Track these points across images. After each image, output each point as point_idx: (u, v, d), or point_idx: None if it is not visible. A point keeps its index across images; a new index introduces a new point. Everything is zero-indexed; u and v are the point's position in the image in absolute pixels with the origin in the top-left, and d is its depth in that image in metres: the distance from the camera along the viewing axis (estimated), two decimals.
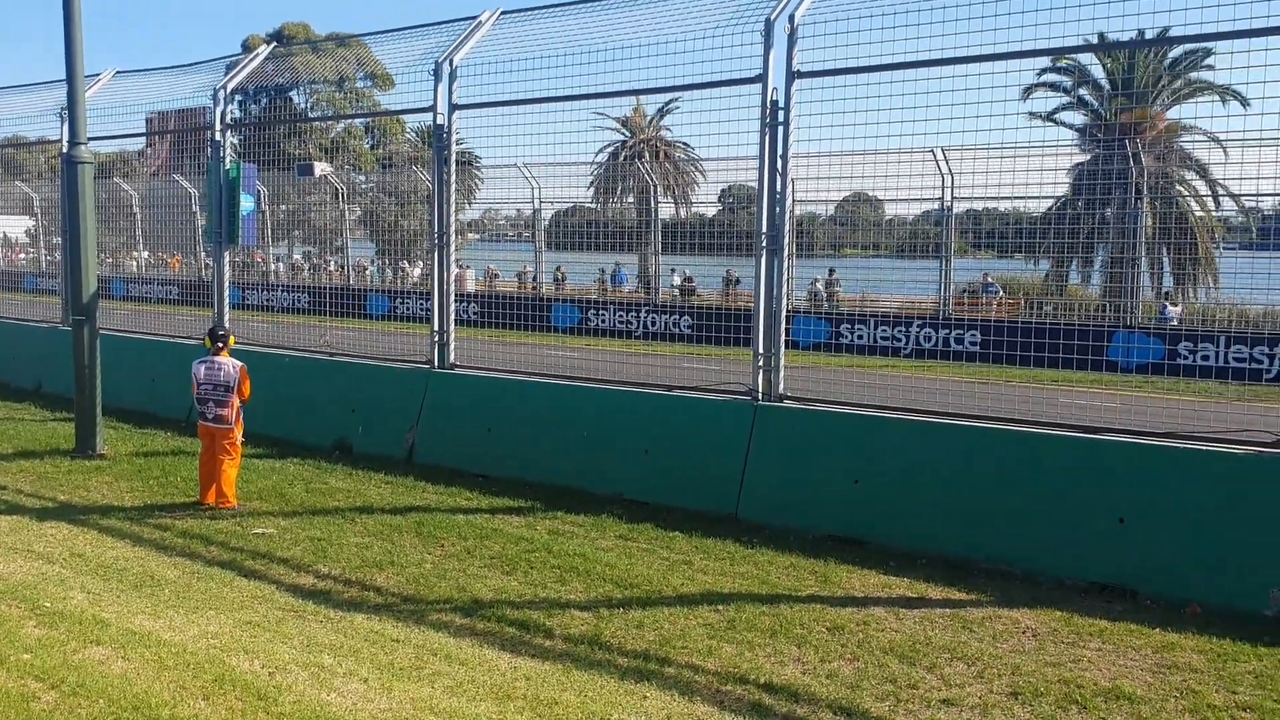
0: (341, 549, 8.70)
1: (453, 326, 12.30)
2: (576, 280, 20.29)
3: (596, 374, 11.54)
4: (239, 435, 10.20)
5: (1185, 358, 13.29)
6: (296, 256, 25.01)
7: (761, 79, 9.63)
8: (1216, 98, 27.35)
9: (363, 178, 25.33)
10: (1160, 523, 7.80)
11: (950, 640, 6.77)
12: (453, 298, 12.31)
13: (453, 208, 12.18)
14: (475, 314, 14.34)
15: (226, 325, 13.38)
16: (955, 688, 6.03)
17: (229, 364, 10.17)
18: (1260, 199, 12.28)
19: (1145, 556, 7.77)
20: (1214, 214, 22.53)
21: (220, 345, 10.30)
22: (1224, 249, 18.51)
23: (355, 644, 6.60)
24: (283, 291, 20.31)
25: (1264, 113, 7.79)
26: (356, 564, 8.32)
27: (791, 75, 9.49)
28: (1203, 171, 23.50)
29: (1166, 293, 16.44)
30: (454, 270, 12.54)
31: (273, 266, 23.50)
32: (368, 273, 24.71)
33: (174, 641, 6.50)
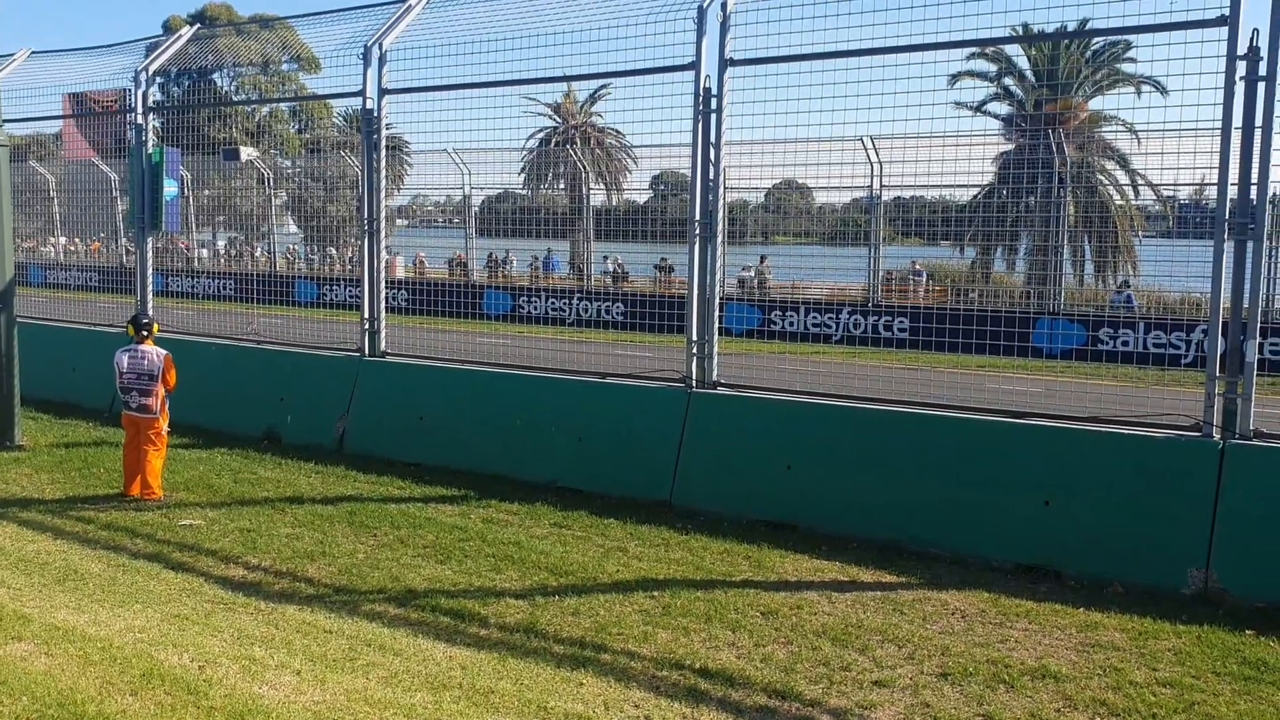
0: (272, 540, 8.57)
1: (383, 314, 12.17)
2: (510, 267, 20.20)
3: (529, 361, 11.51)
4: (164, 425, 9.99)
5: (1106, 343, 13.62)
6: (221, 243, 24.50)
7: (694, 66, 9.65)
8: (1134, 89, 28.01)
9: (289, 163, 24.89)
10: (1084, 505, 8.00)
11: (882, 622, 6.88)
12: (383, 285, 12.18)
13: (382, 193, 12.04)
14: (406, 301, 14.20)
15: (150, 313, 13.08)
16: (887, 669, 6.13)
17: (153, 352, 9.96)
18: (1178, 188, 12.60)
19: (1069, 538, 7.96)
20: (1133, 203, 23.08)
21: (144, 334, 10.08)
22: (1143, 237, 19.00)
23: (287, 636, 6.52)
24: (208, 278, 19.90)
25: (1182, 104, 8.01)
26: (287, 555, 8.21)
27: (724, 63, 9.53)
28: (1123, 161, 24.08)
29: (1125, 280, 16.79)
30: (384, 257, 12.41)
31: (198, 253, 23.00)
32: (295, 259, 24.31)
33: (99, 636, 6.35)
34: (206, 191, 20.15)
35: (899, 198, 17.69)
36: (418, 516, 9.29)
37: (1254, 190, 7.49)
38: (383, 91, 11.87)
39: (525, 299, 17.89)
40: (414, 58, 11.88)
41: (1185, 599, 7.37)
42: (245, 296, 16.44)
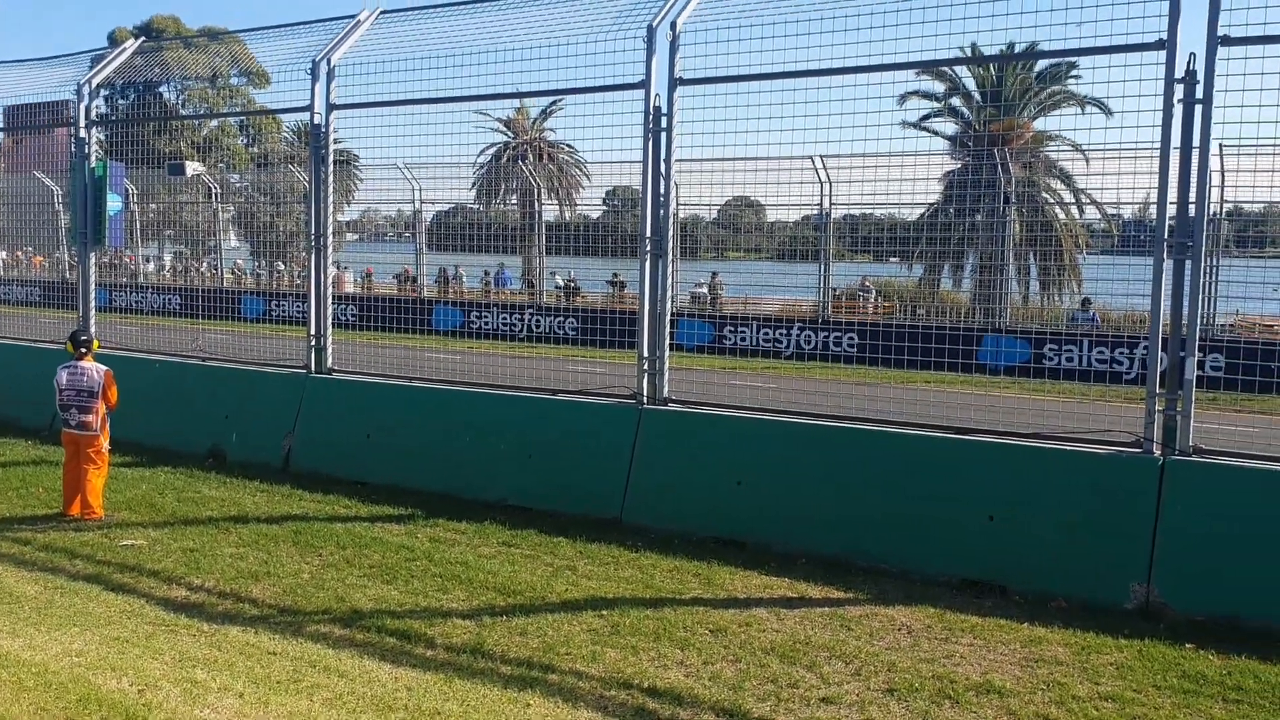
0: (215, 560, 8.43)
1: (330, 330, 12.05)
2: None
3: (479, 377, 11.44)
4: (105, 443, 9.81)
5: (1050, 360, 13.83)
6: (167, 257, 24.17)
7: (644, 85, 9.68)
8: (1079, 109, 28.56)
9: (237, 177, 24.61)
10: (1027, 520, 8.09)
11: (829, 639, 6.91)
12: (330, 300, 12.06)
13: (330, 208, 11.95)
14: (354, 316, 14.09)
15: (91, 329, 12.85)
16: (834, 686, 6.15)
17: (93, 369, 9.79)
18: (1121, 206, 12.82)
19: (1013, 553, 8.05)
20: (1078, 221, 23.47)
21: (83, 350, 9.90)
22: (1087, 255, 19.32)
23: (230, 658, 6.41)
24: (153, 293, 19.60)
25: (1122, 125, 8.17)
26: (231, 575, 8.08)
27: (674, 82, 9.57)
28: (1067, 180, 24.51)
29: (1086, 298, 17.03)
30: (332, 272, 12.30)
31: (143, 267, 22.66)
32: (242, 274, 24.05)
33: (34, 661, 6.21)
34: (152, 206, 19.88)
35: (848, 215, 17.86)
36: (364, 536, 9.20)
37: (1192, 209, 7.63)
38: (331, 106, 11.80)
39: (476, 314, 17.80)
40: (363, 73, 11.83)
41: (1127, 613, 7.47)
42: (191, 312, 16.22)
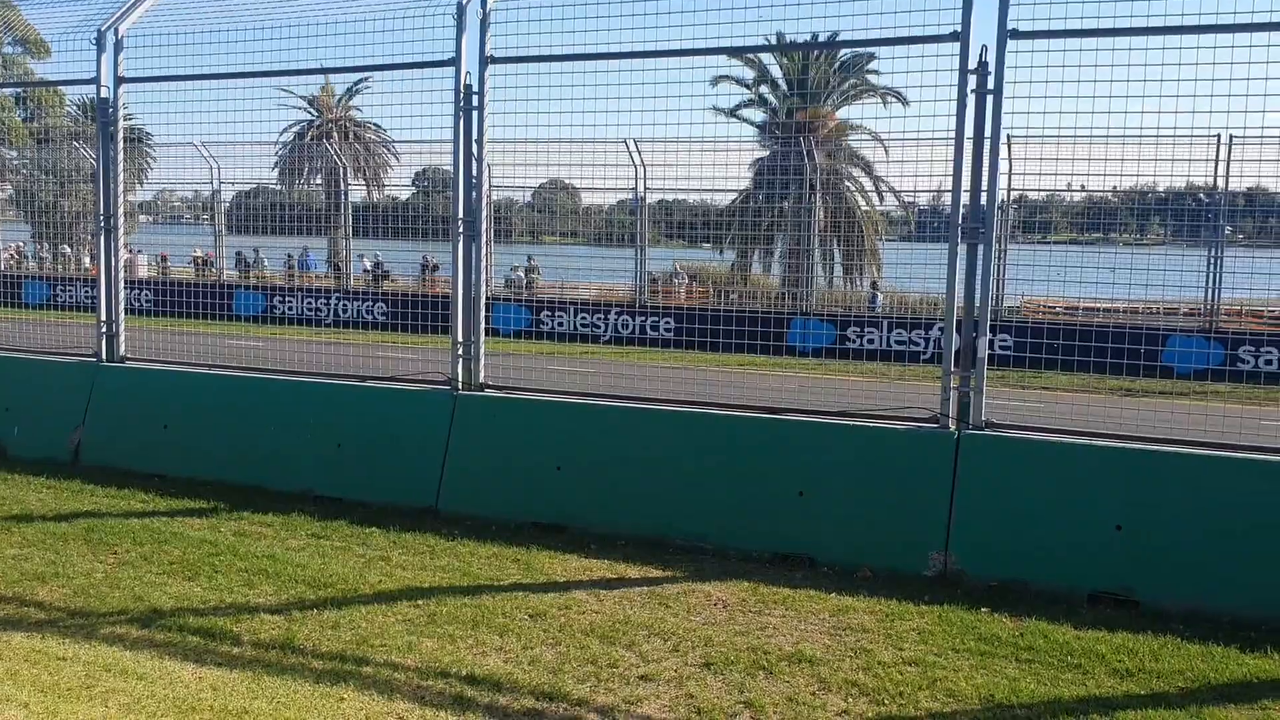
0: None
1: (122, 316, 11.35)
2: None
3: (285, 365, 11.00)
4: None
5: (854, 341, 14.38)
6: None
7: (455, 63, 9.48)
8: (879, 100, 29.81)
9: (14, 154, 22.87)
10: (834, 494, 8.38)
11: (648, 617, 6.96)
12: (122, 285, 11.36)
13: (121, 188, 11.24)
14: (149, 302, 13.33)
15: None
16: (653, 663, 6.21)
17: None
18: (917, 194, 13.42)
19: (822, 526, 8.31)
20: (878, 208, 24.50)
21: None
22: (886, 241, 20.19)
23: (14, 666, 5.94)
24: None
25: (920, 115, 8.53)
26: (15, 577, 7.50)
27: (485, 60, 9.42)
28: (868, 168, 25.55)
29: (874, 282, 17.67)
30: (124, 255, 11.60)
31: None
32: (23, 258, 22.43)
33: None
34: None
35: (663, 200, 18.08)
36: (163, 531, 8.71)
37: (984, 197, 8.03)
38: (119, 80, 11.08)
39: (280, 299, 17.12)
40: (157, 45, 11.13)
41: (928, 580, 7.83)
42: None
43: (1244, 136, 11.02)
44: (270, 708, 5.49)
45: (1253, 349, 15.77)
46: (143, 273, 17.40)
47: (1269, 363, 15.43)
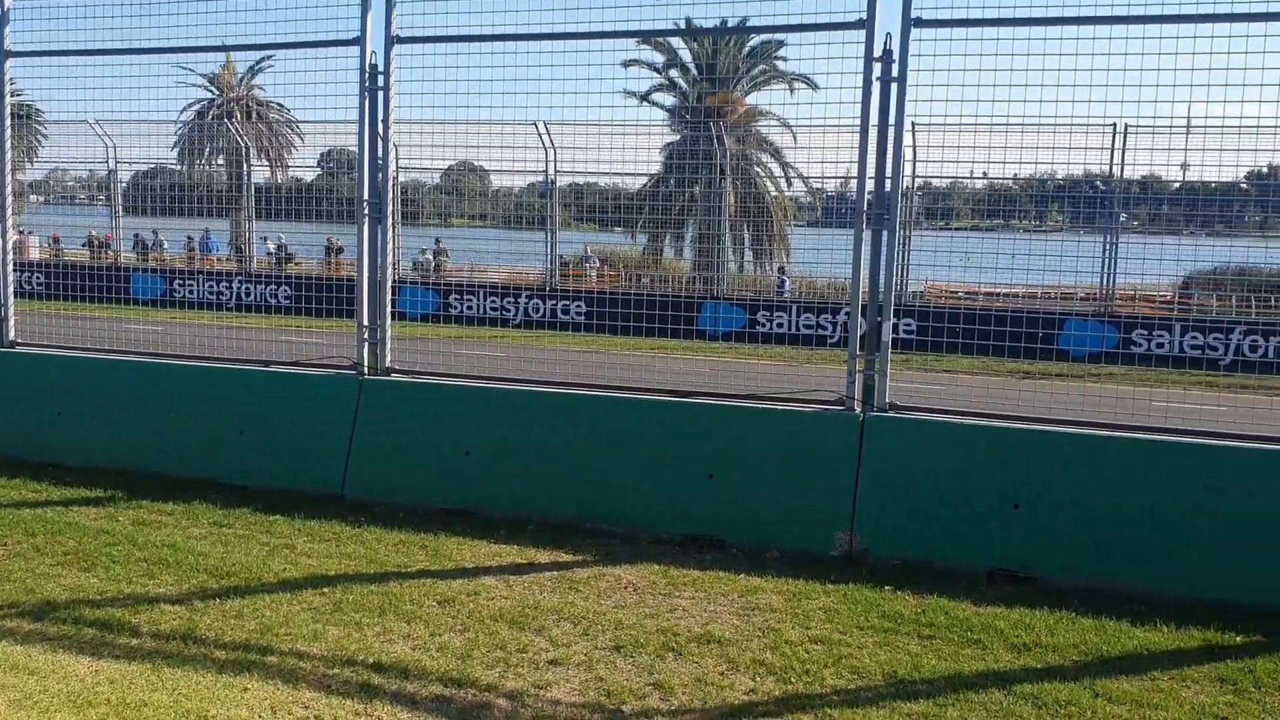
0: None
1: (11, 300, 10.92)
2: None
3: (185, 350, 10.72)
4: None
5: (763, 325, 14.55)
6: None
7: (360, 41, 9.30)
8: (788, 86, 30.09)
9: None
10: (743, 476, 8.45)
11: (558, 602, 6.96)
12: (11, 267, 10.94)
13: (8, 166, 10.81)
14: (41, 286, 12.86)
15: None
16: (562, 647, 6.21)
17: None
18: (825, 181, 13.57)
19: (731, 508, 8.39)
20: (786, 194, 24.75)
21: None
22: (795, 226, 20.43)
23: None
24: None
25: (826, 101, 8.61)
26: None
27: (391, 40, 9.25)
28: (777, 154, 25.79)
29: (782, 267, 17.83)
30: (13, 236, 11.16)
31: None
32: None
33: None
34: None
35: (574, 183, 18.01)
36: (57, 521, 8.42)
37: (888, 183, 8.16)
38: (6, 53, 10.63)
39: (180, 282, 16.66)
40: (47, 17, 10.73)
41: (834, 560, 7.96)
42: None
43: (1138, 126, 11.42)
44: (171, 700, 5.36)
45: (1145, 333, 16.34)
46: (34, 255, 16.79)
47: (1161, 346, 16.00)
